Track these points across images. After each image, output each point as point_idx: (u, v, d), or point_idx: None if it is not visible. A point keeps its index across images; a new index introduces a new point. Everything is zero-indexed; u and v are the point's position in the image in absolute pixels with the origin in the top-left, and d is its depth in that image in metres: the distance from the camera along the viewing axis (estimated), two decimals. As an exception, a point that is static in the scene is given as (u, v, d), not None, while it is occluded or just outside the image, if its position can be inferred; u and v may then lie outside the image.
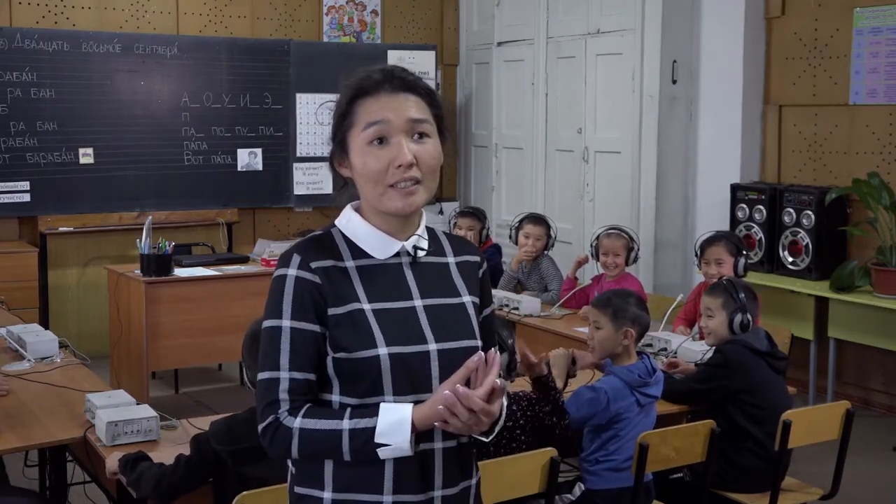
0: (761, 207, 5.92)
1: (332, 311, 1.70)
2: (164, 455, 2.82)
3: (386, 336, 1.69)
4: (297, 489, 1.76)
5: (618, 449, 3.15)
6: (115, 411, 3.02)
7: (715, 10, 6.34)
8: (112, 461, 2.81)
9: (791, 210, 5.78)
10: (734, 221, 6.07)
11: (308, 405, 1.69)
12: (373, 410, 1.65)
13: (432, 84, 7.51)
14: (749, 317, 3.58)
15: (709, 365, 3.59)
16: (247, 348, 2.74)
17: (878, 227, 5.40)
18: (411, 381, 1.70)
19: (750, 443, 3.42)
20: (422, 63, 7.53)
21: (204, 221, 7.15)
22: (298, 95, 7.24)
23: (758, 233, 5.94)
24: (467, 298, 1.81)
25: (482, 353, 1.65)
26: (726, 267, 4.47)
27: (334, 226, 1.80)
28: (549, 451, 2.85)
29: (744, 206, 6.03)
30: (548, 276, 5.41)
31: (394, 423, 1.63)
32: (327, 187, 7.13)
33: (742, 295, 3.60)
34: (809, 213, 5.68)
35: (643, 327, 3.31)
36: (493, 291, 5.09)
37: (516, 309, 4.99)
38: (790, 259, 5.79)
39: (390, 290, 1.74)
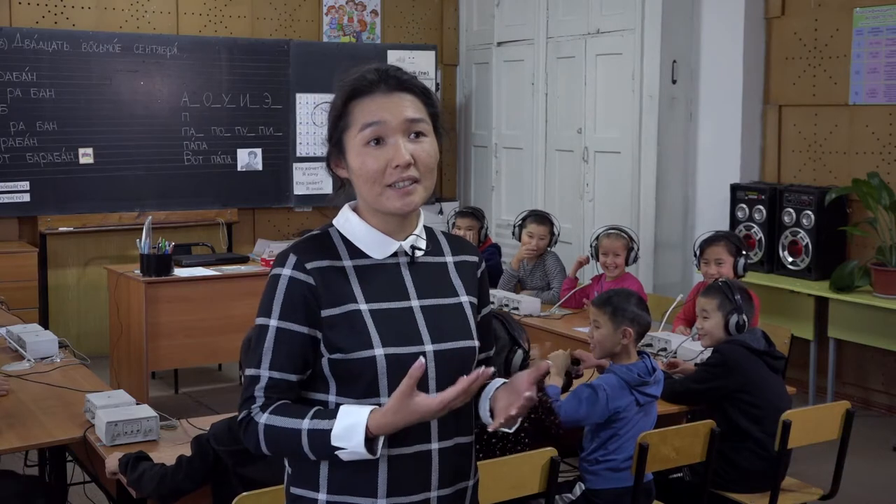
0: (761, 207, 5.92)
1: (326, 312, 1.70)
2: (164, 455, 2.82)
3: (382, 337, 1.69)
4: (293, 490, 1.76)
5: (617, 448, 3.15)
6: (115, 411, 3.01)
7: (715, 10, 6.34)
8: (112, 461, 2.81)
9: (791, 210, 5.78)
10: (734, 221, 6.07)
11: (280, 402, 1.69)
12: (333, 413, 1.65)
13: (432, 84, 7.52)
14: (745, 317, 3.58)
15: (707, 365, 3.59)
16: (245, 352, 2.74)
17: (878, 227, 5.40)
18: None
19: (749, 443, 3.42)
20: (422, 63, 7.53)
21: (204, 221, 7.15)
22: (298, 95, 7.24)
23: (758, 233, 5.94)
24: (465, 298, 1.81)
25: (422, 360, 1.62)
26: (726, 267, 4.47)
27: (332, 225, 1.80)
28: (549, 451, 2.85)
29: (744, 206, 6.03)
30: (552, 272, 5.41)
31: (348, 426, 1.62)
32: (327, 187, 7.13)
33: (738, 296, 3.60)
34: (809, 213, 5.68)
35: (642, 327, 3.30)
36: (493, 291, 5.14)
37: (516, 309, 4.99)
38: (790, 259, 5.79)
39: (387, 290, 1.74)
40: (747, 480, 3.43)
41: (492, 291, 5.18)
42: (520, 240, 5.54)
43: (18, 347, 3.94)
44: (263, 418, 1.68)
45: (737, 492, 3.44)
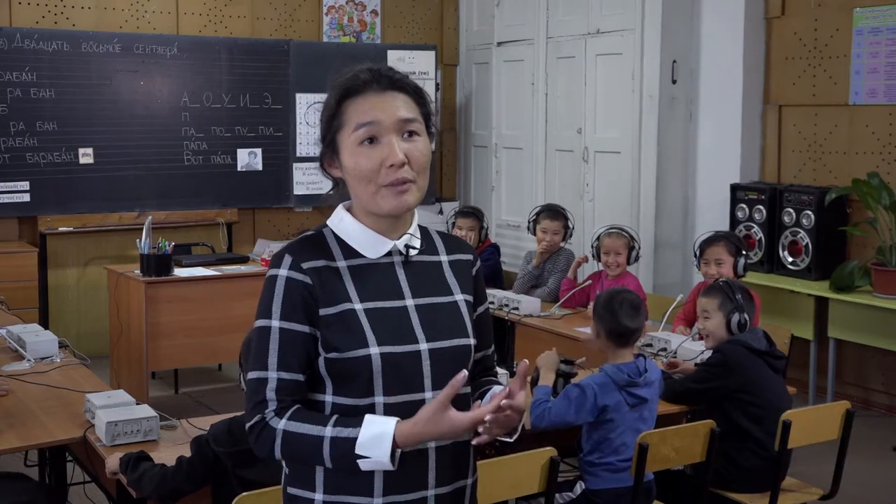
0: (761, 207, 5.92)
1: (323, 311, 1.70)
2: (164, 455, 2.82)
3: (377, 336, 1.69)
4: (290, 490, 1.76)
5: (611, 450, 3.14)
6: (115, 411, 3.01)
7: (715, 10, 6.34)
8: (112, 461, 2.81)
9: (791, 210, 5.78)
10: (734, 221, 6.07)
11: (296, 407, 1.69)
12: (357, 420, 1.64)
13: (432, 84, 7.52)
14: (746, 316, 3.58)
15: (707, 365, 3.59)
16: (244, 355, 2.73)
17: (878, 227, 5.40)
18: (403, 381, 1.70)
19: (750, 442, 3.42)
20: (422, 63, 7.53)
21: (204, 221, 7.15)
22: (298, 95, 7.24)
23: (758, 233, 5.94)
24: (460, 297, 1.81)
25: (465, 372, 1.65)
26: (726, 267, 4.47)
27: (326, 226, 1.80)
28: (549, 451, 2.85)
29: (744, 206, 6.03)
30: (555, 269, 5.39)
31: (375, 436, 1.62)
32: (327, 187, 7.07)
33: (738, 295, 3.60)
34: (809, 213, 5.68)
35: (609, 327, 3.26)
36: (493, 291, 5.14)
37: (516, 309, 4.99)
38: (790, 259, 5.79)
39: (382, 289, 1.74)
40: (748, 480, 3.43)
41: (493, 291, 5.19)
42: (534, 234, 5.55)
43: (18, 347, 3.94)
44: (282, 424, 1.66)
45: (738, 491, 3.44)
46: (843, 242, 5.79)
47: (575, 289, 5.13)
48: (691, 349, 4.02)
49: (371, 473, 1.68)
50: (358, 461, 1.63)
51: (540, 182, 7.45)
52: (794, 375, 5.47)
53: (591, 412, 3.13)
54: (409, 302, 1.75)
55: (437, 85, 7.69)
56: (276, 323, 1.70)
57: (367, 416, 1.65)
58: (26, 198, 6.49)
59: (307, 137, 7.29)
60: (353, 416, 1.67)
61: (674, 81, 6.42)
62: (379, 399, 1.69)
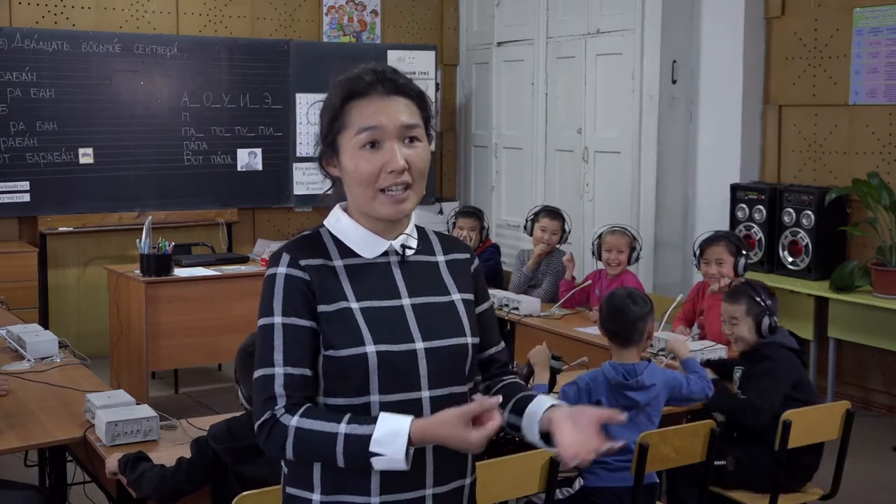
0: (761, 207, 5.92)
1: (322, 308, 1.70)
2: (164, 455, 2.82)
3: (374, 334, 1.69)
4: (289, 490, 1.77)
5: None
6: (115, 411, 3.01)
7: (715, 10, 6.34)
8: (112, 461, 2.81)
9: (791, 210, 5.78)
10: (734, 221, 6.07)
11: (308, 405, 1.68)
12: (372, 418, 1.64)
13: (432, 84, 7.52)
14: (776, 319, 3.61)
15: (761, 375, 3.52)
16: (240, 364, 2.72)
17: (878, 227, 5.40)
18: (399, 379, 1.70)
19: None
20: (422, 63, 7.53)
21: (204, 221, 7.15)
22: (298, 95, 7.24)
23: (758, 233, 5.94)
24: (457, 296, 1.81)
25: (499, 398, 1.67)
26: (727, 267, 4.47)
27: (323, 226, 1.80)
28: (549, 451, 2.84)
29: (744, 206, 6.03)
30: (549, 271, 5.39)
31: (391, 432, 1.61)
32: (327, 187, 7.13)
33: (765, 297, 3.63)
34: (809, 213, 5.68)
35: (606, 325, 3.31)
36: (495, 291, 5.14)
37: (516, 309, 4.99)
38: (790, 259, 5.79)
39: (378, 288, 1.74)
40: (755, 475, 3.44)
41: (493, 291, 5.18)
42: (531, 234, 5.54)
43: (18, 347, 3.94)
44: (294, 421, 1.65)
45: (758, 490, 3.44)
46: (843, 242, 5.79)
47: (575, 289, 5.13)
48: (691, 349, 4.01)
49: (368, 473, 1.68)
50: (372, 459, 1.61)
51: (540, 182, 7.45)
52: (794, 375, 5.47)
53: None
54: (406, 301, 1.75)
55: (437, 85, 7.69)
56: (278, 319, 1.69)
57: (382, 414, 1.64)
58: (26, 198, 6.49)
59: (307, 137, 7.29)
60: (368, 415, 1.67)
61: (674, 81, 6.42)
62: (374, 398, 1.69)
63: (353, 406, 1.69)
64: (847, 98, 5.85)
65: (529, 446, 2.97)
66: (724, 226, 5.97)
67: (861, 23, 5.76)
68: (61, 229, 6.69)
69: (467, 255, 1.88)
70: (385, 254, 1.77)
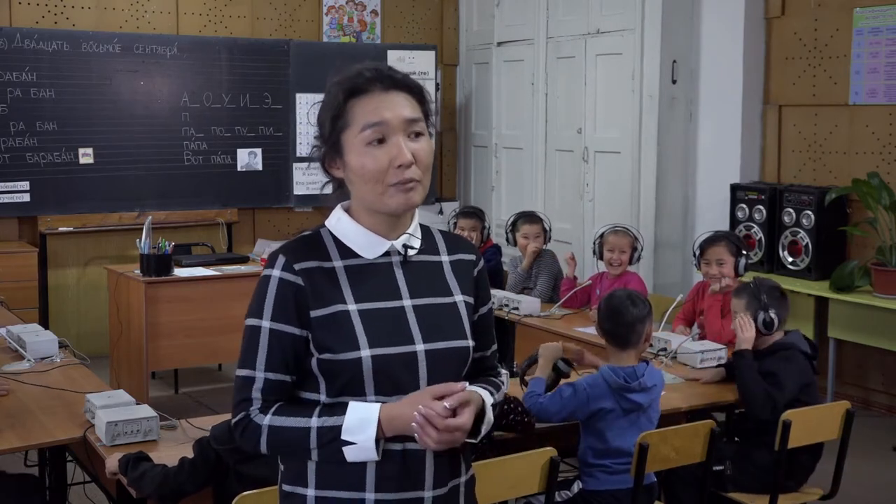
0: (761, 207, 5.92)
1: (314, 312, 1.70)
2: (164, 455, 2.82)
3: (370, 337, 1.69)
4: (285, 487, 1.77)
5: (606, 454, 3.13)
6: (115, 411, 3.01)
7: (715, 10, 6.34)
8: (112, 461, 2.81)
9: (791, 210, 5.78)
10: (734, 221, 6.07)
11: (279, 404, 1.71)
12: (341, 409, 1.66)
13: (432, 84, 7.52)
14: (772, 315, 3.61)
15: (776, 373, 3.51)
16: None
17: (878, 227, 5.40)
18: (396, 382, 1.69)
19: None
20: (422, 63, 7.53)
21: (204, 221, 7.15)
22: (298, 95, 7.24)
23: (758, 233, 5.94)
24: (459, 298, 1.80)
25: (466, 384, 1.68)
26: (727, 267, 4.46)
27: (324, 226, 1.80)
28: (549, 451, 2.85)
29: (744, 206, 6.03)
30: (546, 272, 5.39)
31: (360, 420, 1.64)
32: (327, 187, 7.13)
33: (764, 295, 3.62)
34: (809, 213, 5.68)
35: (604, 328, 3.29)
36: (495, 291, 5.14)
37: (516, 309, 4.99)
38: (790, 259, 5.79)
39: (379, 289, 1.74)
40: (754, 476, 3.44)
41: (494, 291, 5.17)
42: (515, 244, 5.52)
43: (18, 347, 3.94)
44: (266, 419, 1.69)
45: (755, 492, 3.44)
46: (843, 242, 5.79)
47: (576, 289, 5.13)
48: (691, 349, 4.02)
49: (363, 469, 1.68)
50: (343, 449, 1.64)
51: (540, 182, 7.45)
52: (794, 375, 5.47)
53: (582, 413, 3.13)
54: (407, 302, 1.74)
55: (437, 85, 7.69)
56: (266, 323, 1.71)
57: (352, 403, 1.67)
58: (26, 198, 6.49)
59: (307, 137, 7.29)
60: (338, 407, 1.68)
61: (674, 81, 6.42)
62: (371, 399, 1.69)
63: (339, 405, 1.70)
64: (847, 98, 5.85)
65: (529, 446, 2.99)
66: (724, 226, 5.97)
67: (861, 23, 5.76)
68: (61, 229, 6.69)
69: (472, 257, 1.87)
70: (387, 254, 1.76)
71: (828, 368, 5.60)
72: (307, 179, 7.28)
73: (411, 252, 1.78)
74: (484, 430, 1.74)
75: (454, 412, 1.64)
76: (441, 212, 7.75)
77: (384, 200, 1.71)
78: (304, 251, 1.74)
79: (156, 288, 5.37)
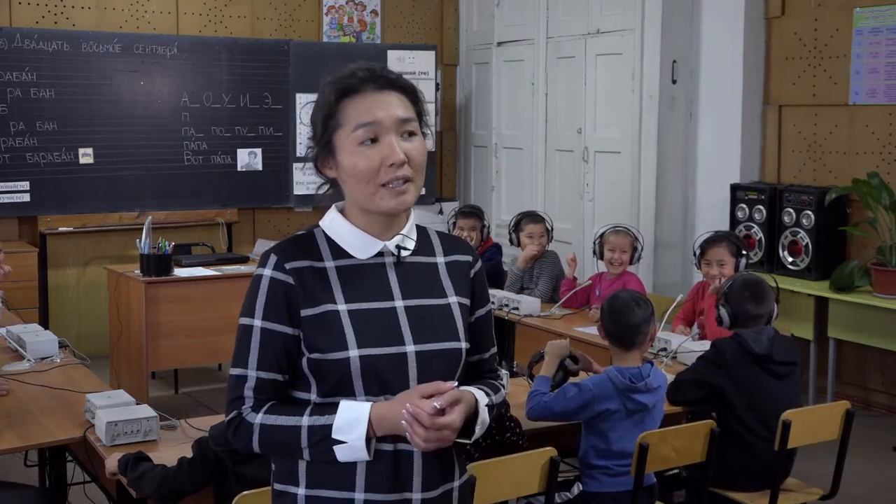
0: (761, 207, 5.92)
1: (305, 311, 1.70)
2: (164, 455, 2.82)
3: (359, 338, 1.69)
4: (276, 485, 1.78)
5: (608, 455, 3.13)
6: (115, 411, 3.01)
7: (715, 10, 6.34)
8: (112, 461, 2.81)
9: (791, 210, 5.78)
10: (734, 221, 6.07)
11: (271, 403, 1.71)
12: (332, 409, 1.67)
13: (432, 84, 7.52)
14: (724, 312, 3.62)
15: (702, 358, 3.57)
16: None
17: (878, 227, 5.40)
18: (385, 382, 1.69)
19: (740, 443, 3.41)
20: (422, 63, 7.53)
21: (204, 221, 7.15)
22: (298, 95, 7.24)
23: (758, 233, 5.94)
24: (453, 299, 1.79)
25: (455, 383, 1.67)
26: (728, 268, 4.46)
27: (318, 226, 1.80)
28: (549, 451, 2.85)
29: (744, 206, 6.03)
30: (542, 273, 5.39)
31: (351, 419, 1.65)
32: (322, 189, 7.13)
33: (734, 291, 3.62)
34: (809, 213, 5.68)
35: (609, 329, 3.26)
36: (495, 291, 5.14)
37: (516, 309, 4.99)
38: (790, 259, 5.79)
39: (370, 290, 1.73)
40: (741, 480, 3.42)
41: (494, 291, 5.18)
42: (519, 244, 5.52)
43: (18, 347, 3.94)
44: (258, 418, 1.69)
45: (732, 490, 3.44)
46: (843, 242, 5.79)
47: (576, 289, 5.13)
48: (691, 349, 4.02)
49: (353, 469, 1.68)
50: (334, 448, 1.65)
51: (540, 182, 7.45)
52: (794, 375, 5.47)
53: (586, 413, 3.13)
54: (399, 303, 1.74)
55: (437, 85, 7.69)
56: (258, 323, 1.72)
57: (343, 403, 1.67)
58: (26, 198, 6.49)
59: (307, 138, 7.28)
60: (329, 406, 1.68)
61: (674, 81, 6.42)
62: (361, 400, 1.69)
63: (330, 405, 1.70)
64: (847, 98, 5.85)
65: (529, 446, 2.99)
66: (724, 226, 5.97)
67: (861, 23, 5.76)
68: (61, 229, 6.69)
69: (469, 258, 1.85)
70: (380, 254, 1.76)
71: (828, 368, 5.60)
72: (307, 179, 7.27)
73: (405, 253, 1.77)
74: (478, 430, 1.73)
75: (443, 411, 1.63)
76: (441, 212, 7.75)
77: (376, 201, 1.71)
78: (295, 251, 1.74)
79: (156, 288, 5.37)
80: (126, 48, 6.69)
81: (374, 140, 1.70)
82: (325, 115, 1.74)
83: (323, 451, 1.66)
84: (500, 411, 2.97)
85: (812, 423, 3.42)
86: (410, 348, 1.71)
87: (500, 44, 7.83)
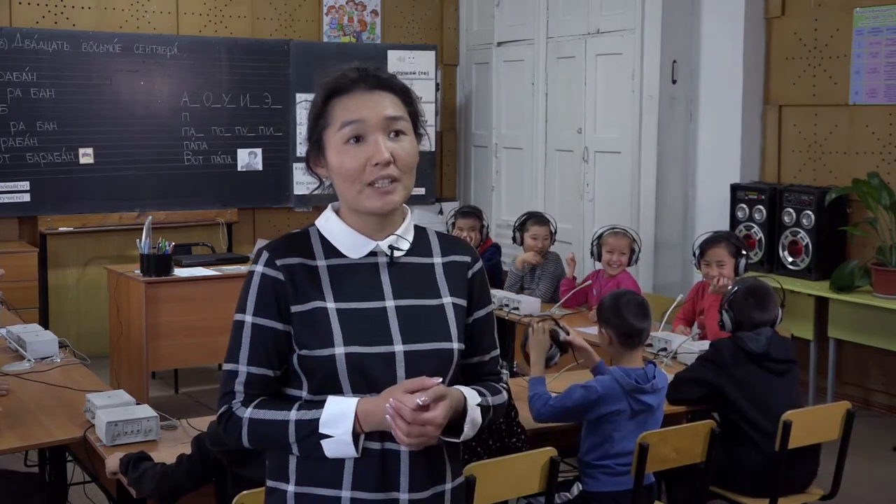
0: (761, 207, 5.92)
1: (294, 308, 1.71)
2: (164, 455, 2.82)
3: (346, 336, 1.69)
4: (269, 482, 1.79)
5: (609, 455, 3.13)
6: (115, 411, 3.02)
7: (715, 10, 6.34)
8: (112, 461, 2.81)
9: (791, 210, 5.78)
10: (734, 221, 6.07)
11: (262, 398, 1.72)
12: (320, 404, 1.68)
13: (432, 84, 7.52)
14: (726, 317, 3.63)
15: (700, 357, 3.60)
16: None
17: (878, 227, 5.40)
18: (372, 381, 1.69)
19: (743, 441, 3.42)
20: (422, 63, 7.53)
21: (204, 221, 7.15)
22: (298, 95, 7.24)
23: (758, 233, 5.94)
24: (448, 300, 1.78)
25: (439, 379, 1.66)
26: (727, 268, 4.47)
27: (314, 225, 1.81)
28: (549, 451, 2.85)
29: (744, 206, 6.03)
30: (544, 275, 5.39)
31: (337, 414, 1.65)
32: (320, 189, 7.13)
33: (738, 297, 3.62)
34: (809, 213, 5.68)
35: (618, 329, 3.24)
36: (495, 291, 5.13)
37: (516, 309, 4.99)
38: (790, 259, 5.79)
39: (360, 290, 1.74)
40: (747, 479, 3.43)
41: (493, 291, 5.18)
42: (522, 244, 5.53)
43: (18, 347, 3.94)
44: (247, 412, 1.70)
45: (730, 489, 3.44)
46: (843, 242, 5.79)
47: (575, 289, 5.13)
48: (691, 349, 4.02)
49: (340, 467, 1.68)
50: (322, 442, 1.65)
51: (540, 182, 7.45)
52: (794, 375, 5.47)
53: (594, 413, 3.13)
54: (390, 303, 1.74)
55: (437, 85, 7.69)
56: (249, 318, 1.73)
57: (331, 397, 1.68)
58: (26, 198, 6.49)
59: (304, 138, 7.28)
60: (318, 402, 1.69)
61: (674, 81, 6.42)
62: (349, 397, 1.69)
63: (318, 401, 1.71)
64: (847, 98, 5.85)
65: (529, 446, 2.99)
66: (724, 226, 5.97)
67: (861, 23, 5.76)
68: (61, 229, 6.69)
69: (467, 259, 1.84)
70: (373, 254, 1.76)
71: (828, 368, 5.60)
72: (307, 179, 7.17)
73: (398, 253, 1.77)
74: (467, 429, 1.71)
75: (427, 407, 1.62)
76: (441, 212, 7.75)
77: (362, 200, 1.71)
78: (288, 248, 1.75)
79: (156, 288, 5.37)
80: (126, 48, 6.69)
81: (360, 139, 1.70)
82: (316, 115, 1.75)
83: (310, 445, 1.67)
84: (509, 414, 2.99)
85: (812, 423, 3.42)
86: (399, 348, 1.71)
87: (500, 44, 7.83)
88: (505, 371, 1.92)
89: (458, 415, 1.71)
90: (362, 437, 1.66)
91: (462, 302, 1.81)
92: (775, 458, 3.33)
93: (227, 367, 1.75)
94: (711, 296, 4.45)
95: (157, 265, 5.36)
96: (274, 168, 7.24)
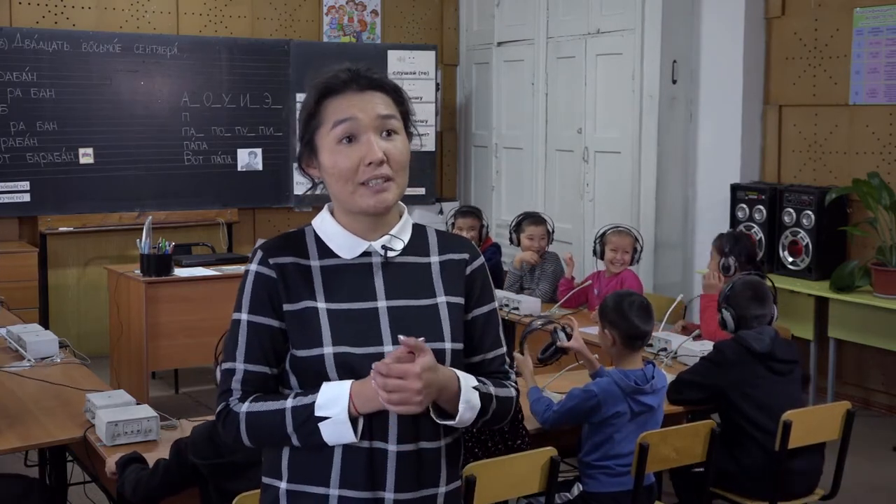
0: (761, 207, 5.92)
1: (287, 307, 1.72)
2: (164, 455, 2.81)
3: (335, 336, 1.69)
4: (264, 479, 1.79)
5: (610, 455, 3.13)
6: (115, 411, 3.02)
7: (715, 10, 6.34)
8: (112, 461, 2.81)
9: (791, 210, 5.78)
10: (734, 221, 6.06)
11: (258, 394, 1.73)
12: (314, 390, 1.68)
13: (432, 84, 7.52)
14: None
15: (704, 358, 3.59)
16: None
17: (878, 227, 5.40)
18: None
19: (746, 441, 3.42)
20: (422, 63, 7.53)
21: (204, 221, 7.15)
22: (298, 95, 7.23)
23: (758, 233, 5.94)
24: (442, 299, 1.77)
25: (423, 339, 1.64)
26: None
27: (310, 225, 1.81)
28: (549, 451, 2.85)
29: (744, 206, 6.03)
30: (544, 275, 5.39)
31: (333, 396, 1.65)
32: (316, 189, 7.13)
33: (735, 292, 3.64)
34: (809, 213, 5.68)
35: (622, 331, 3.23)
36: (496, 291, 5.12)
37: (516, 309, 4.99)
38: (790, 259, 5.79)
39: (352, 290, 1.74)
40: (744, 480, 3.43)
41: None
42: (518, 244, 5.52)
43: (18, 347, 3.94)
44: (244, 407, 1.71)
45: (736, 492, 3.44)
46: (843, 242, 5.79)
47: (575, 289, 5.13)
48: (692, 349, 4.02)
49: (329, 463, 1.68)
50: (320, 426, 1.64)
51: (540, 182, 7.45)
52: (795, 375, 5.47)
53: (597, 416, 3.13)
54: (382, 304, 1.73)
55: (437, 85, 7.69)
56: (244, 316, 1.73)
57: (325, 383, 1.68)
58: (26, 198, 6.49)
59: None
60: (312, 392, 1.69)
61: (674, 81, 6.42)
62: None
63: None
64: (847, 98, 5.85)
65: (529, 446, 2.99)
66: (725, 226, 5.96)
67: (861, 23, 5.76)
68: (61, 229, 6.69)
69: (464, 256, 1.83)
70: (367, 255, 1.76)
71: (828, 368, 5.60)
72: (307, 179, 7.26)
73: (392, 253, 1.76)
74: (462, 408, 1.68)
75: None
76: (441, 212, 7.75)
77: (356, 199, 1.72)
78: (282, 247, 1.76)
79: (156, 288, 5.37)
80: (126, 48, 6.69)
81: (352, 138, 1.71)
82: (308, 115, 1.76)
83: (308, 432, 1.66)
84: (516, 417, 2.98)
85: (812, 423, 3.42)
86: (389, 348, 1.70)
87: (500, 44, 7.83)
88: (513, 371, 1.89)
89: (452, 395, 1.69)
90: (361, 420, 1.65)
91: (459, 300, 1.80)
92: (777, 458, 3.33)
93: (225, 365, 1.75)
94: (706, 297, 4.46)
95: (158, 265, 5.36)
96: (274, 168, 7.24)
